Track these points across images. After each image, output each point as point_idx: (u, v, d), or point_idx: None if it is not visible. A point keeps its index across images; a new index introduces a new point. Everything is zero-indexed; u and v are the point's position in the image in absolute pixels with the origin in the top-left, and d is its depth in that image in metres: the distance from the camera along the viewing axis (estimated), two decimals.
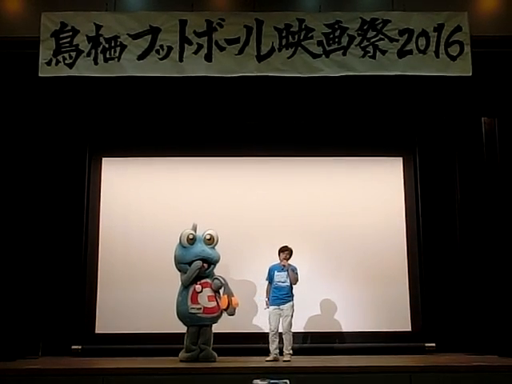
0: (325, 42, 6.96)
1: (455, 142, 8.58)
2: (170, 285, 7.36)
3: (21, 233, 7.65)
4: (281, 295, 7.17)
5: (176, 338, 7.17)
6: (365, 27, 6.97)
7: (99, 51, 6.90)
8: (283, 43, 6.95)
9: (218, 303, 7.09)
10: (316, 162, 8.75)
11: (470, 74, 6.95)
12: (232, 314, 7.04)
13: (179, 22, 6.95)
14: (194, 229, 7.28)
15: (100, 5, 7.06)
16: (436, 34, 6.95)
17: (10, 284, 7.40)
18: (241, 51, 6.95)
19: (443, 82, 7.15)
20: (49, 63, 6.87)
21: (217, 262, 7.33)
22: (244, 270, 8.24)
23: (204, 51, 6.93)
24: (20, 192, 7.67)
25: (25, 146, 7.81)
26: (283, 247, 7.31)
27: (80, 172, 8.50)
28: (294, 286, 7.24)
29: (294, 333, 7.19)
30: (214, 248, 7.34)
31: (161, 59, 6.92)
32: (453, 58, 6.94)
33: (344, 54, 6.95)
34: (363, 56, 6.95)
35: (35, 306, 7.86)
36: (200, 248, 7.21)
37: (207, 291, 7.12)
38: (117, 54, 6.91)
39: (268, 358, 6.98)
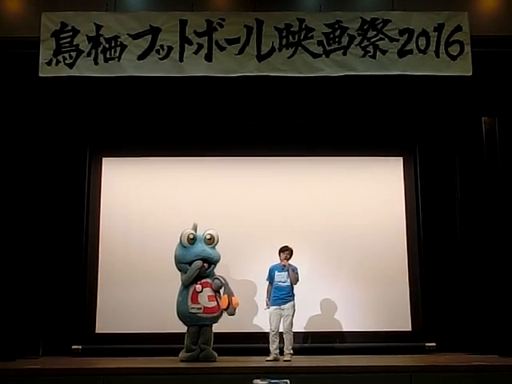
0: (325, 41, 6.96)
1: (455, 141, 8.57)
2: (170, 285, 7.36)
3: (21, 233, 7.64)
4: (281, 295, 7.17)
5: (176, 337, 7.17)
6: (365, 27, 6.97)
7: (99, 51, 6.91)
8: (283, 43, 6.96)
9: (218, 303, 7.10)
10: (316, 162, 8.75)
11: (471, 74, 6.95)
12: (232, 314, 7.04)
13: (179, 21, 6.96)
14: (195, 228, 7.29)
15: (100, 5, 7.06)
16: (436, 33, 6.96)
17: (11, 284, 7.40)
18: (241, 51, 6.96)
19: (443, 82, 7.15)
20: (49, 63, 6.88)
21: (217, 261, 7.33)
22: (244, 269, 8.24)
23: (204, 51, 6.94)
24: (20, 192, 7.67)
25: (25, 145, 7.80)
26: (283, 247, 7.31)
27: (80, 172, 8.50)
28: (294, 286, 7.24)
29: (294, 332, 7.19)
30: (214, 248, 7.34)
31: (161, 59, 6.93)
32: (453, 58, 6.94)
33: (344, 53, 6.96)
34: (363, 56, 6.96)
35: (35, 306, 7.85)
36: (200, 248, 7.21)
37: (207, 291, 7.12)
38: (117, 54, 6.92)
39: (268, 358, 6.99)
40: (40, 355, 7.73)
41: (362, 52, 6.96)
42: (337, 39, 6.97)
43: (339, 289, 8.36)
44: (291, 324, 7.14)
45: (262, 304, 7.48)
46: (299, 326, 7.72)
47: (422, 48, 6.96)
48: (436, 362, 6.78)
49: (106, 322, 8.23)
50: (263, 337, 7.41)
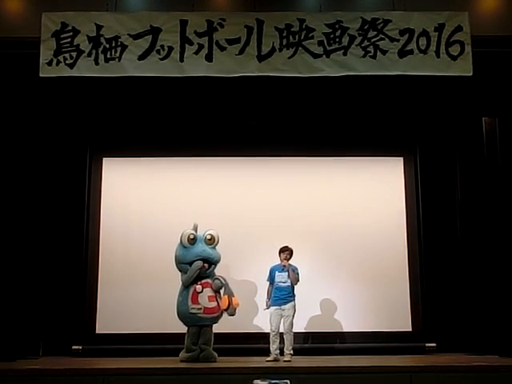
0: (325, 41, 6.96)
1: (456, 141, 8.57)
2: (170, 285, 7.36)
3: (21, 233, 7.64)
4: (282, 295, 7.16)
5: (176, 338, 7.17)
6: (365, 27, 6.97)
7: (100, 51, 6.91)
8: (284, 43, 6.96)
9: (218, 303, 7.09)
10: (316, 162, 8.75)
11: (471, 74, 6.95)
12: (232, 315, 7.04)
13: (180, 22, 6.95)
14: (195, 229, 7.28)
15: (100, 5, 7.06)
16: (437, 33, 6.96)
17: (11, 284, 7.40)
18: (241, 51, 6.96)
19: (444, 82, 7.15)
20: (49, 63, 6.88)
21: (217, 262, 7.32)
22: (244, 270, 8.24)
23: (205, 51, 6.94)
24: (21, 192, 7.67)
25: (26, 146, 7.80)
26: (283, 247, 7.31)
27: (81, 172, 8.50)
28: (295, 287, 7.23)
29: (294, 333, 7.19)
30: (214, 248, 7.34)
31: (161, 59, 6.93)
32: (453, 58, 6.94)
33: (345, 53, 6.95)
34: (364, 56, 6.96)
35: (35, 306, 7.85)
36: (201, 248, 7.21)
37: (208, 291, 7.11)
38: (117, 54, 6.91)
39: (268, 358, 6.98)
40: (40, 355, 7.73)
41: (363, 52, 6.96)
42: (337, 39, 6.97)
43: (339, 289, 8.35)
44: (291, 324, 7.14)
45: (262, 304, 7.47)
46: (299, 327, 7.71)
47: (423, 48, 6.95)
48: (436, 363, 6.77)
49: (106, 322, 8.23)
50: (263, 337, 7.42)
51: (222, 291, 7.14)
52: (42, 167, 8.13)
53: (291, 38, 6.97)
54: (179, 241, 7.25)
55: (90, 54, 6.87)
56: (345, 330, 8.26)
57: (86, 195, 8.48)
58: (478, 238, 8.10)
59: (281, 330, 7.14)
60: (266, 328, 7.47)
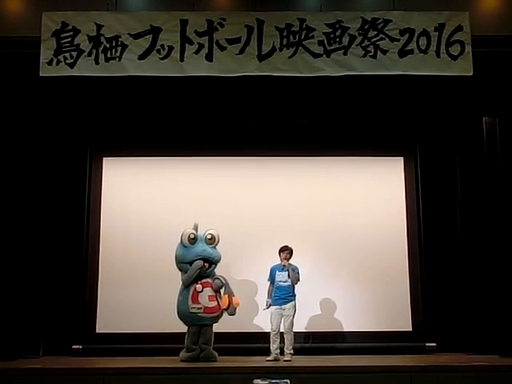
0: (326, 41, 6.96)
1: (456, 141, 8.57)
2: (170, 284, 7.37)
3: (22, 232, 7.65)
4: (282, 295, 7.17)
5: (176, 337, 7.17)
6: (366, 27, 6.97)
7: (100, 51, 6.91)
8: (284, 43, 6.96)
9: (218, 303, 7.10)
10: (316, 162, 8.75)
11: (471, 74, 6.96)
12: (233, 314, 7.04)
13: (180, 21, 6.96)
14: (195, 228, 7.28)
15: (101, 4, 7.07)
16: (437, 33, 6.96)
17: (11, 284, 7.40)
18: (242, 51, 6.96)
19: (444, 82, 7.15)
20: (50, 63, 6.88)
21: (218, 261, 7.33)
22: (245, 269, 8.24)
23: (205, 51, 6.94)
24: (21, 192, 7.67)
25: (26, 145, 7.81)
26: (283, 247, 7.31)
27: (81, 172, 8.50)
28: (295, 286, 7.23)
29: (295, 332, 7.19)
30: (215, 248, 7.34)
31: (162, 59, 6.93)
32: (454, 58, 6.94)
33: (345, 53, 6.96)
34: (364, 56, 6.96)
35: (36, 305, 7.86)
36: (201, 248, 7.21)
37: (208, 291, 7.11)
38: (118, 54, 6.92)
39: (269, 358, 6.99)
40: (40, 355, 7.74)
41: (363, 52, 6.96)
42: (337, 39, 6.97)
43: (339, 289, 8.35)
44: (292, 324, 7.14)
45: (262, 304, 7.48)
46: (300, 326, 7.71)
47: (423, 48, 6.96)
48: (436, 362, 6.77)
49: (107, 321, 8.23)
50: (263, 337, 7.43)
51: (222, 291, 7.15)
52: (43, 167, 8.13)
53: (291, 37, 6.98)
54: (179, 240, 7.25)
55: (90, 54, 6.88)
56: (345, 329, 8.26)
57: (86, 195, 8.48)
58: (478, 238, 8.10)
59: (281, 330, 7.15)
60: (266, 327, 7.48)
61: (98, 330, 8.23)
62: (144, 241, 8.43)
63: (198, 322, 7.02)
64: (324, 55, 6.97)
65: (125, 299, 8.23)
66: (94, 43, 6.90)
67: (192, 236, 7.21)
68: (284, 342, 7.10)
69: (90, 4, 7.05)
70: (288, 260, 7.26)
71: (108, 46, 6.91)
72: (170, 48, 6.93)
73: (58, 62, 6.88)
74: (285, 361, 6.95)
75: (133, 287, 8.24)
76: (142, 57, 6.92)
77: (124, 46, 6.92)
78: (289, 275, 7.18)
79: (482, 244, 8.00)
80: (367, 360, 6.91)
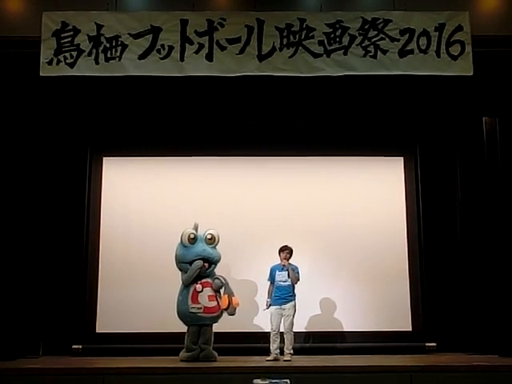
0: (326, 41, 6.96)
1: (456, 141, 8.57)
2: (170, 284, 7.37)
3: (21, 232, 7.65)
4: (282, 295, 7.17)
5: (176, 337, 7.17)
6: (366, 27, 6.97)
7: (100, 51, 6.91)
8: (284, 43, 6.96)
9: (218, 303, 7.10)
10: (316, 162, 8.75)
11: (471, 74, 6.96)
12: (232, 314, 7.04)
13: (180, 21, 6.96)
14: (196, 228, 7.29)
15: (101, 4, 7.08)
16: (437, 33, 6.96)
17: (11, 283, 7.40)
18: (242, 51, 6.96)
19: (444, 82, 7.15)
20: (50, 63, 6.88)
21: (218, 261, 7.33)
22: (245, 269, 8.24)
23: (205, 51, 6.94)
24: (21, 191, 7.68)
25: (26, 145, 7.81)
26: (283, 247, 7.32)
27: (81, 171, 8.50)
28: (295, 286, 7.23)
29: (294, 332, 7.19)
30: (215, 248, 7.34)
31: (162, 59, 6.93)
32: (454, 58, 6.94)
33: (345, 53, 6.96)
34: (364, 56, 6.96)
35: (36, 305, 7.86)
36: (201, 247, 7.21)
37: (208, 291, 7.12)
38: (118, 54, 6.92)
39: (268, 358, 6.99)
40: (40, 355, 7.74)
41: (363, 52, 6.96)
42: (337, 39, 6.97)
43: (339, 288, 8.36)
44: (292, 324, 7.14)
45: (262, 304, 7.49)
46: (300, 326, 7.71)
47: (423, 48, 6.96)
48: (436, 362, 6.77)
49: (107, 321, 8.23)
50: (263, 336, 7.43)
51: (222, 291, 7.15)
52: (43, 166, 8.13)
53: (291, 37, 6.97)
54: (179, 240, 7.25)
55: (90, 54, 6.88)
56: (345, 329, 8.26)
57: (86, 195, 8.48)
58: (478, 238, 8.10)
59: (281, 330, 7.15)
60: (266, 327, 7.48)
61: (97, 330, 8.23)
62: (144, 241, 8.43)
63: (198, 322, 7.02)
64: (324, 55, 6.97)
65: (125, 299, 8.23)
66: (94, 43, 6.90)
67: (192, 236, 7.22)
68: (284, 342, 7.10)
69: (90, 4, 7.05)
70: (288, 260, 7.26)
71: (108, 45, 6.91)
72: (170, 48, 6.93)
73: (58, 61, 6.88)
74: (285, 361, 6.96)
75: (133, 287, 8.24)
76: (142, 57, 6.92)
77: (124, 46, 6.92)
78: (288, 275, 7.18)
79: (482, 244, 8.00)
80: (367, 360, 6.90)
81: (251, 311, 8.05)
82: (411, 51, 6.95)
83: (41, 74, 6.87)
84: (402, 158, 8.84)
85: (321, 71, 6.98)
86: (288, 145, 8.57)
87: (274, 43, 6.96)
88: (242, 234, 8.41)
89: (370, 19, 6.98)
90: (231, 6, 7.24)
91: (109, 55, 6.90)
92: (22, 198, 7.68)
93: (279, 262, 7.30)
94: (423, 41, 6.95)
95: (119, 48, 6.91)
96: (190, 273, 7.09)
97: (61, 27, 6.92)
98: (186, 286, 7.13)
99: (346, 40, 6.96)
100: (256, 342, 7.67)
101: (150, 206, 8.54)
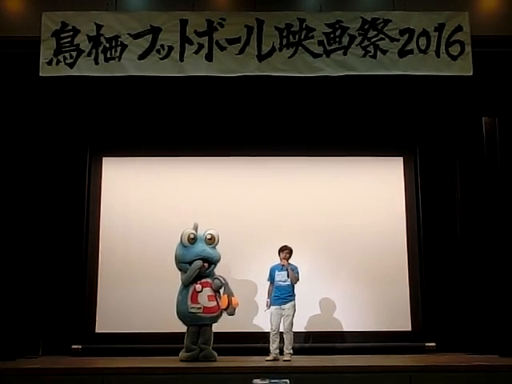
0: (325, 41, 6.96)
1: (456, 141, 8.57)
2: (170, 284, 7.36)
3: (21, 232, 7.65)
4: (282, 295, 7.17)
5: (176, 337, 7.16)
6: (365, 27, 6.97)
7: (100, 51, 6.91)
8: (284, 43, 6.96)
9: (217, 303, 7.09)
10: (316, 162, 8.75)
11: (471, 74, 6.96)
12: (232, 314, 7.04)
13: (180, 21, 6.96)
14: (195, 228, 7.29)
15: (101, 4, 7.07)
16: (437, 33, 6.96)
17: (11, 283, 7.40)
18: (241, 51, 6.96)
19: (444, 82, 7.15)
20: (49, 63, 6.88)
21: (217, 261, 7.33)
22: (244, 269, 8.24)
23: (205, 51, 6.94)
24: (21, 191, 7.67)
25: (26, 145, 7.81)
26: (283, 247, 7.32)
27: (81, 171, 8.51)
28: (294, 286, 7.23)
29: (294, 332, 7.19)
30: (214, 248, 7.34)
31: (161, 59, 6.93)
32: (453, 58, 6.94)
33: (345, 53, 6.95)
34: (364, 56, 6.96)
35: (35, 305, 7.86)
36: (201, 247, 7.21)
37: (207, 291, 7.12)
38: (117, 54, 6.92)
39: (268, 358, 6.99)
40: (40, 355, 7.73)
41: (363, 52, 6.96)
42: (337, 39, 6.97)
43: (339, 288, 8.36)
44: (291, 324, 7.14)
45: (261, 304, 7.49)
46: (299, 326, 7.71)
47: (423, 48, 6.96)
48: (436, 362, 6.77)
49: (106, 321, 8.23)
50: (263, 336, 7.43)
51: (221, 291, 7.14)
52: (42, 167, 8.13)
53: (291, 37, 6.97)
54: (179, 240, 7.25)
55: (90, 54, 6.88)
56: (345, 329, 8.27)
57: (85, 195, 8.49)
58: (477, 238, 8.10)
59: (281, 330, 7.15)
60: (265, 327, 7.48)
61: (97, 330, 8.23)
62: (144, 241, 8.44)
63: (198, 322, 7.02)
64: (324, 55, 6.97)
65: (124, 299, 8.23)
66: (94, 43, 6.90)
67: (192, 236, 7.22)
68: (283, 342, 7.10)
69: (89, 4, 7.05)
70: (287, 260, 7.26)
71: (108, 45, 6.91)
72: (170, 48, 6.93)
73: (58, 61, 6.88)
74: (284, 361, 6.95)
75: (132, 287, 8.24)
76: (141, 57, 6.92)
77: (124, 46, 6.91)
78: (288, 275, 7.18)
79: (482, 244, 8.00)
80: (367, 360, 6.90)
81: (251, 311, 8.05)
82: (411, 51, 6.95)
83: (40, 74, 6.87)
84: (401, 158, 8.84)
85: (320, 71, 6.98)
86: (288, 145, 8.58)
87: (273, 43, 6.96)
88: (242, 233, 8.41)
89: (369, 19, 6.98)
90: (231, 6, 7.25)
91: (108, 55, 6.90)
92: (21, 198, 7.68)
93: (279, 261, 7.30)
94: (423, 41, 6.95)
95: (119, 48, 6.91)
96: (190, 273, 7.09)
97: (60, 27, 6.92)
98: (186, 285, 7.13)
99: (345, 40, 6.96)
100: (256, 342, 7.67)
101: (149, 206, 8.54)
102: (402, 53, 6.97)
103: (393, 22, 6.98)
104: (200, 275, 7.13)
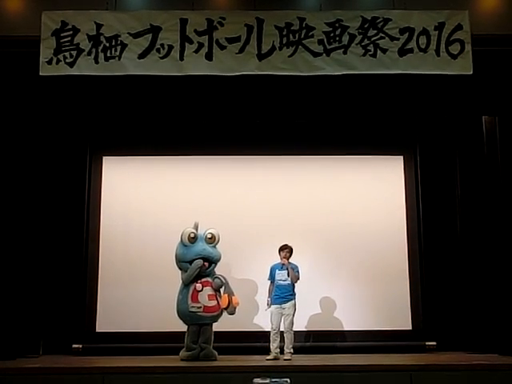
0: (325, 40, 6.95)
1: (456, 140, 8.58)
2: (170, 283, 7.37)
3: (21, 231, 7.65)
4: (282, 294, 7.17)
5: (176, 336, 7.17)
6: (365, 26, 6.96)
7: (100, 50, 6.90)
8: (284, 42, 6.95)
9: (218, 302, 7.10)
10: (317, 161, 8.75)
11: (471, 73, 6.95)
12: (232, 313, 7.04)
13: (180, 20, 6.95)
14: (196, 227, 7.29)
15: (100, 4, 7.07)
16: (437, 32, 6.95)
17: (11, 283, 7.40)
18: (241, 50, 6.95)
19: (444, 81, 7.15)
20: (49, 62, 6.87)
21: (218, 260, 7.33)
22: (245, 268, 8.24)
23: (205, 50, 6.93)
24: (21, 191, 7.67)
25: (26, 144, 7.81)
26: (283, 246, 7.32)
27: (81, 171, 8.51)
28: (295, 285, 7.23)
29: (295, 331, 7.19)
30: (215, 247, 7.34)
31: (161, 58, 6.92)
32: (453, 57, 6.94)
33: (345, 52, 6.95)
34: (364, 55, 6.95)
35: (36, 304, 7.86)
36: (201, 247, 7.22)
37: (208, 290, 7.12)
38: (117, 53, 6.91)
39: (268, 357, 6.99)
40: (40, 354, 7.73)
41: (363, 51, 6.95)
42: (337, 38, 6.97)
43: (340, 287, 8.36)
44: (292, 323, 7.14)
45: (262, 303, 7.50)
46: (300, 325, 7.71)
47: (423, 47, 6.95)
48: (436, 361, 6.78)
49: (107, 320, 8.23)
50: (263, 336, 7.42)
51: (222, 290, 7.15)
52: (42, 166, 8.13)
53: (291, 36, 6.97)
54: (180, 239, 7.26)
55: (89, 53, 6.87)
56: (345, 328, 8.27)
57: (86, 194, 8.49)
58: (478, 237, 8.10)
59: (281, 329, 7.15)
60: (266, 327, 7.48)
61: (97, 329, 8.23)
62: (144, 240, 8.44)
63: (198, 321, 7.02)
64: (324, 54, 6.97)
65: (125, 298, 8.23)
66: (94, 42, 6.89)
67: (192, 235, 7.22)
68: (284, 341, 7.10)
69: (89, 3, 7.04)
70: (288, 259, 7.27)
71: (108, 45, 6.90)
72: (170, 47, 6.92)
73: (58, 61, 6.87)
74: (285, 360, 6.95)
75: (133, 286, 8.24)
76: (141, 56, 6.91)
77: (124, 45, 6.91)
78: (288, 274, 7.18)
79: (482, 243, 8.00)
80: (367, 359, 6.91)
81: (251, 310, 8.05)
82: (411, 50, 6.95)
83: (40, 74, 6.86)
84: (401, 157, 8.84)
85: (320, 70, 6.97)
86: (288, 144, 8.58)
87: (273, 42, 6.96)
88: (242, 233, 8.41)
89: (369, 18, 6.98)
90: (231, 5, 7.24)
91: (108, 54, 6.90)
92: (21, 197, 7.68)
93: (279, 260, 7.30)
94: (423, 40, 6.95)
95: (119, 47, 6.90)
96: (190, 272, 7.09)
97: (60, 26, 6.91)
98: (186, 285, 7.13)
99: (345, 39, 6.96)
100: (256, 341, 7.67)
101: (149, 206, 8.54)
102: (402, 52, 6.97)
103: (393, 21, 6.98)
104: (200, 274, 7.13)
